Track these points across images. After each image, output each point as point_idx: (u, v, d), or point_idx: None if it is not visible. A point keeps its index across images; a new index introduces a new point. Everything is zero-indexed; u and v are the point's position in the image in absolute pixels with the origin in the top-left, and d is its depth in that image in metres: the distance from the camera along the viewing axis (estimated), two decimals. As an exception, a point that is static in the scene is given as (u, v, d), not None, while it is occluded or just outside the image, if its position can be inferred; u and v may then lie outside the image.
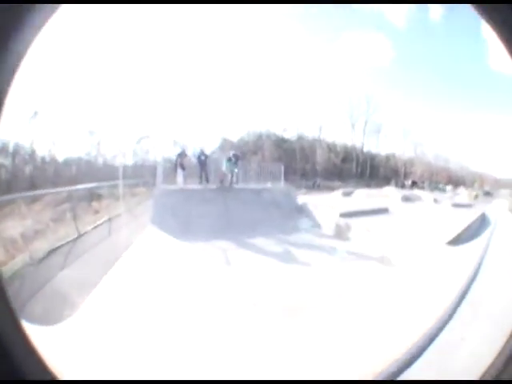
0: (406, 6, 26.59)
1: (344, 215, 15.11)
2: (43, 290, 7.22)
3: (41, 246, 9.85)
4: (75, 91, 21.48)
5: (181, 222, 12.12)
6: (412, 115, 32.35)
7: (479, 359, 1.84)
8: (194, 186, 16.23)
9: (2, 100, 1.41)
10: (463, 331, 5.85)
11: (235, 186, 16.11)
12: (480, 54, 27.18)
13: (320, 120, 29.41)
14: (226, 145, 25.71)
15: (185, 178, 16.55)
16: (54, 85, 20.47)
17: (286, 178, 19.50)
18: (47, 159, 22.89)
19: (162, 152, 23.94)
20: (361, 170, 30.01)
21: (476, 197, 26.26)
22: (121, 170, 16.02)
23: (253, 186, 17.23)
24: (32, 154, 22.33)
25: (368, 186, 27.00)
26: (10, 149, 21.71)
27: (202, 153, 17.15)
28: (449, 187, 28.86)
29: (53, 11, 1.50)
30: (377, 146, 31.75)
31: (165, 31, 28.95)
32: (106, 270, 8.32)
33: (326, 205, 17.20)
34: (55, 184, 16.80)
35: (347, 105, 30.21)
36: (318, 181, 26.75)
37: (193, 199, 14.02)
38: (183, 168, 16.34)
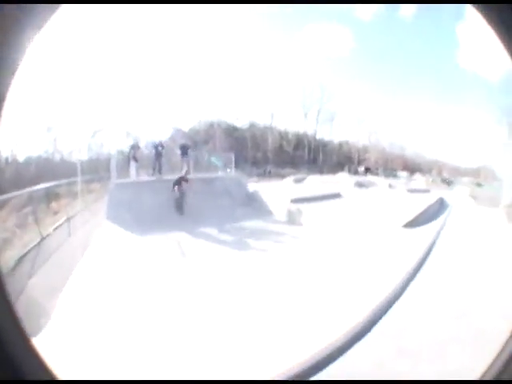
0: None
1: (295, 201, 15.15)
2: (19, 300, 6.84)
3: (11, 254, 9.99)
4: (32, 86, 20.99)
5: (135, 215, 12.13)
6: (367, 104, 32.71)
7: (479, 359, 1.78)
8: (147, 177, 16.16)
9: (2, 100, 1.39)
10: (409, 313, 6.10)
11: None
12: (444, 47, 27.93)
13: (272, 108, 29.46)
14: (177, 135, 25.35)
15: (137, 170, 16.39)
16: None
17: (238, 166, 19.53)
18: (9, 160, 22.46)
19: (115, 145, 23.77)
20: (313, 156, 30.36)
21: (433, 183, 27.13)
22: (79, 167, 15.55)
23: (204, 175, 17.01)
24: None
25: (320, 172, 27.44)
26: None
27: (160, 144, 16.81)
28: (404, 173, 29.65)
29: (53, 11, 1.50)
30: (330, 133, 32.14)
31: (116, 27, 28.26)
32: (69, 273, 8.58)
33: (277, 192, 17.15)
34: (17, 186, 15.64)
35: (300, 93, 30.45)
36: (269, 168, 26.86)
37: (146, 192, 13.86)
38: (136, 160, 16.05)
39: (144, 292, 7.49)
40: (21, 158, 22.67)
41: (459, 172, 29.52)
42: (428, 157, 31.43)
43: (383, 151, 31.20)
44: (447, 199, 19.18)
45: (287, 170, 26.48)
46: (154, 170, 16.16)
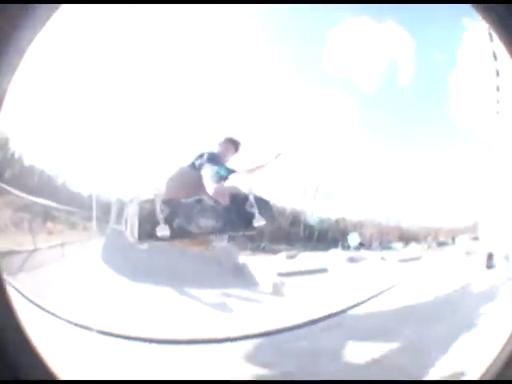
0: (374, 71, 28.82)
1: (281, 275, 17.72)
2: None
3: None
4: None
5: (128, 262, 14.02)
6: (365, 178, 33.90)
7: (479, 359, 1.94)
8: None
9: (2, 98, 1.54)
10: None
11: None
12: (444, 111, 29.73)
13: (270, 184, 31.27)
14: None
15: None
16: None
17: (232, 240, 21.28)
18: (16, 155, 21.97)
19: (117, 192, 23.83)
20: (308, 233, 31.79)
21: (429, 249, 28.72)
22: (95, 202, 17.06)
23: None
24: (6, 141, 21.39)
25: (315, 249, 29.06)
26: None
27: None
28: (400, 244, 30.74)
29: (53, 11, 1.61)
30: (327, 210, 33.85)
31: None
32: (51, 289, 10.27)
33: (266, 265, 19.56)
34: (18, 186, 16.86)
35: (299, 170, 32.09)
36: (263, 244, 28.40)
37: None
38: None
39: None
40: (27, 162, 22.20)
41: (457, 231, 29.94)
42: (424, 224, 32.10)
43: (379, 225, 32.74)
44: (435, 262, 22.20)
45: (281, 246, 28.21)
46: None
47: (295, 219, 32.94)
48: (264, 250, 27.77)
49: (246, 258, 20.75)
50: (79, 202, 18.58)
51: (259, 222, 6.46)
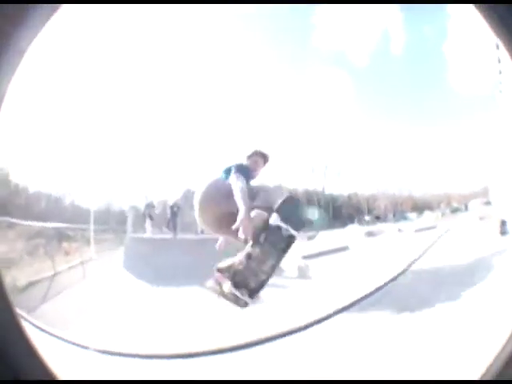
0: (366, 43, 28.53)
1: (304, 257, 17.94)
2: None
3: (18, 275, 11.56)
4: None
5: (152, 268, 14.47)
6: (373, 152, 33.57)
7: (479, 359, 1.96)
8: (163, 235, 18.71)
9: (2, 99, 1.57)
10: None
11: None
12: (442, 79, 29.63)
13: (279, 167, 31.13)
14: (189, 195, 26.49)
15: (153, 227, 19.04)
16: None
17: None
18: (20, 186, 23.01)
19: (129, 200, 24.44)
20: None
21: (443, 216, 29.36)
22: (92, 215, 17.33)
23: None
24: (7, 175, 22.46)
25: (332, 226, 29.49)
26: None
27: (176, 204, 19.72)
28: (414, 214, 31.57)
29: (53, 11, 1.62)
30: (338, 187, 33.82)
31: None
32: (84, 310, 10.50)
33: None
34: (26, 215, 17.52)
35: (306, 149, 32.63)
36: None
37: (162, 248, 16.26)
38: (152, 218, 18.70)
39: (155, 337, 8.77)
40: (31, 189, 23.35)
41: (469, 197, 31.00)
42: (435, 192, 33.08)
43: (392, 197, 33.16)
44: (451, 231, 21.94)
45: (299, 228, 27.99)
46: (168, 228, 18.89)
47: (308, 200, 32.81)
48: (281, 234, 28.08)
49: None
50: (89, 217, 18.79)
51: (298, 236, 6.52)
